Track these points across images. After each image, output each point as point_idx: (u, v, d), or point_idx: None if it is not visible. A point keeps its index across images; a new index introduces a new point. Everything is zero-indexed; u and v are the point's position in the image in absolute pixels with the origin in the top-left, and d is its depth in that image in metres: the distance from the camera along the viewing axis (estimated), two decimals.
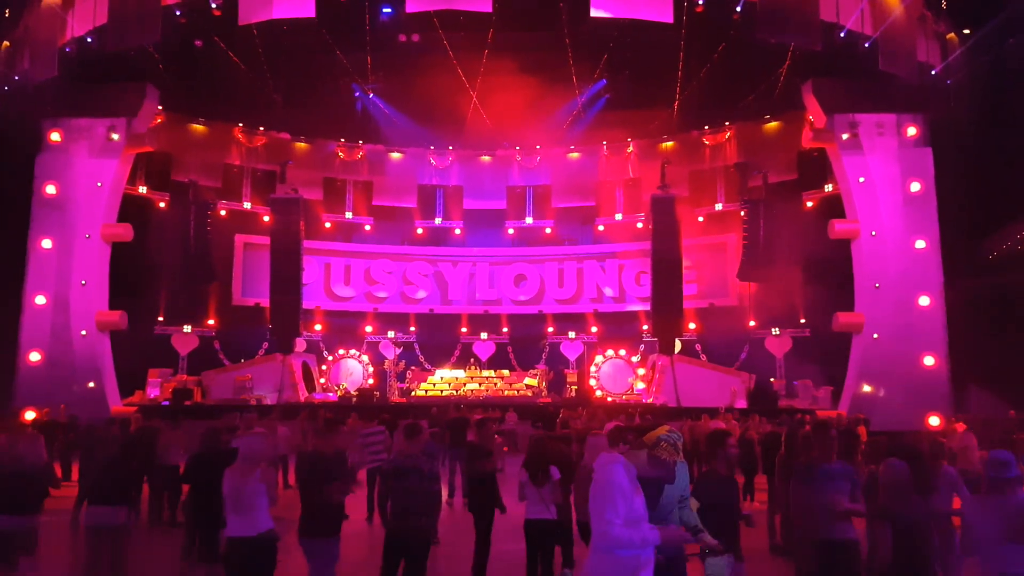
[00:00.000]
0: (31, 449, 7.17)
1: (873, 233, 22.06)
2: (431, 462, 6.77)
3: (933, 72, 21.33)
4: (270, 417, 15.91)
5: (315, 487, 6.29)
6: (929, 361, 21.09)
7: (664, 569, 4.31)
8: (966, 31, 21.27)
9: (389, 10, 20.72)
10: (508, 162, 30.39)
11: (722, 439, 5.61)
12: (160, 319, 25.91)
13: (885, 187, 22.10)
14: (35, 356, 21.62)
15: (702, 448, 15.70)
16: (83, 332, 22.05)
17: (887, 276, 21.77)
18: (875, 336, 21.63)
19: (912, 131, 22.19)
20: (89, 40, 20.81)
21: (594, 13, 18.88)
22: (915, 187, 21.91)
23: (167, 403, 22.63)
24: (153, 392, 23.82)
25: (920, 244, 21.71)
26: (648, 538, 4.17)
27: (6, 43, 22.16)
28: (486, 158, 30.46)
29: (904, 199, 21.97)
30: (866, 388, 21.43)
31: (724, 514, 5.30)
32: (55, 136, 22.54)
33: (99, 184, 22.57)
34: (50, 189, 22.36)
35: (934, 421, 19.75)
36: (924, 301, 21.44)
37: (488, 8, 18.83)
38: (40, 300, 22.00)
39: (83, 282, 22.25)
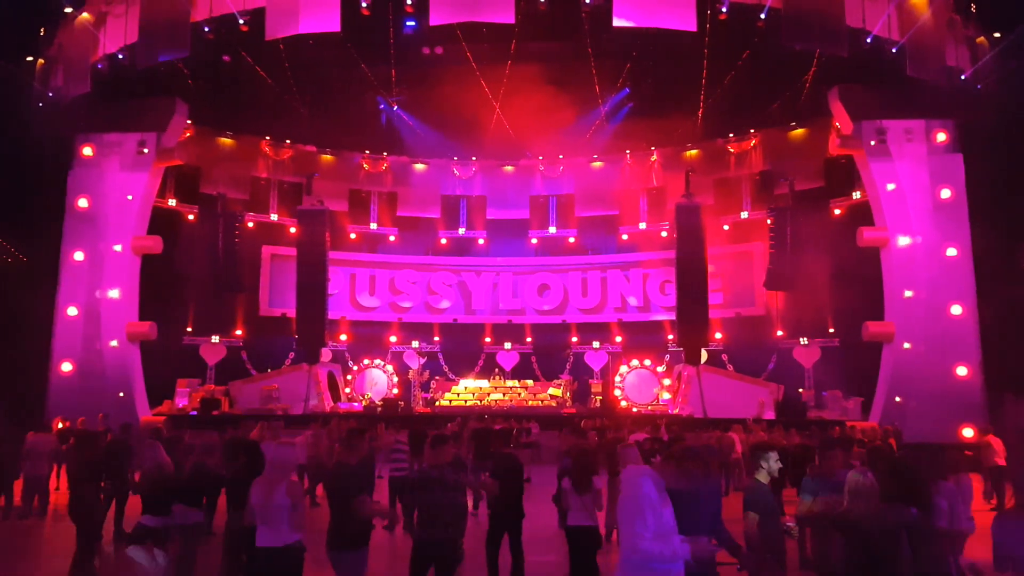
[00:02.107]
0: (153, 455, 7.35)
1: (903, 241, 21.72)
2: (456, 473, 6.76)
3: (963, 77, 20.98)
4: (330, 425, 16.19)
5: (342, 498, 6.30)
6: (962, 371, 20.67)
7: None
8: (996, 35, 20.93)
9: (413, 23, 20.87)
10: (531, 172, 30.44)
11: (765, 451, 5.66)
12: (189, 330, 26.24)
13: (915, 194, 21.76)
14: (67, 366, 21.99)
15: (729, 460, 15.57)
16: (113, 343, 22.39)
17: (918, 285, 21.40)
18: (906, 346, 21.27)
19: (942, 137, 21.84)
20: (120, 56, 21.23)
21: (617, 23, 18.84)
22: (945, 194, 21.54)
23: (195, 413, 22.88)
24: (181, 402, 24.07)
25: (951, 252, 21.31)
26: (678, 551, 4.13)
27: (40, 61, 22.68)
28: (509, 168, 30.54)
29: (934, 206, 21.58)
30: (897, 399, 21.06)
31: (772, 524, 5.35)
32: (87, 151, 22.99)
33: (130, 197, 22.95)
34: (82, 203, 22.78)
35: (968, 432, 19.35)
36: (956, 310, 21.04)
37: (511, 19, 18.91)
38: (72, 311, 22.39)
39: (113, 293, 22.61)
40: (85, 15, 21.32)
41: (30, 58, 22.58)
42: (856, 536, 4.47)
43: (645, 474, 4.45)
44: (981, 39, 21.12)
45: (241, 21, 20.06)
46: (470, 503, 13.62)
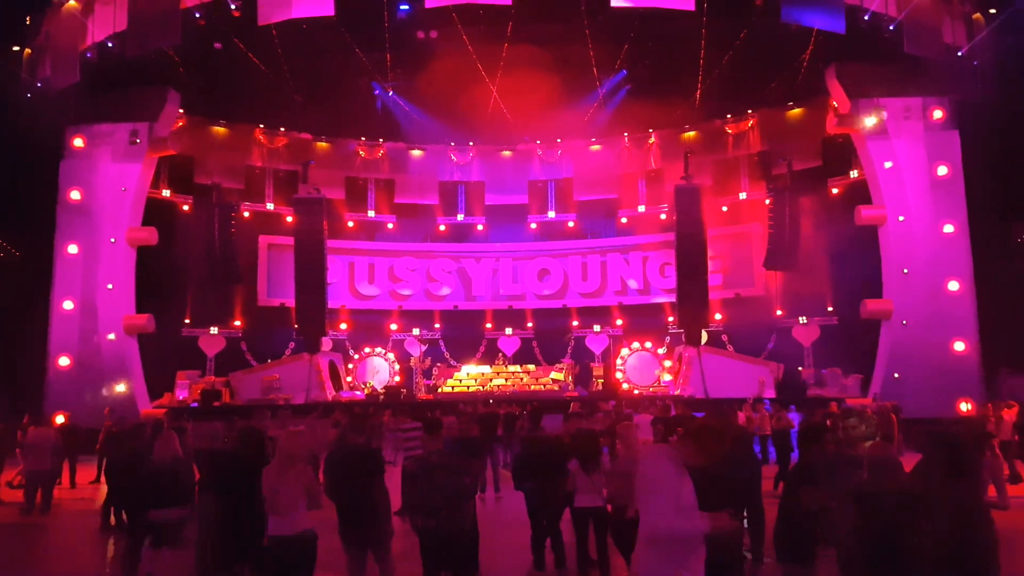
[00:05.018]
0: (168, 447, 7.36)
1: (900, 218, 21.80)
2: (459, 456, 6.74)
3: (959, 53, 20.92)
4: (333, 415, 16.10)
5: (351, 478, 6.30)
6: (959, 347, 20.82)
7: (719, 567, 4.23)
8: (992, 11, 20.84)
9: (407, 7, 20.59)
10: (529, 156, 30.28)
11: (819, 435, 5.63)
12: (187, 321, 26.10)
13: (912, 172, 21.79)
14: (64, 360, 21.88)
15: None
16: (111, 336, 22.28)
17: (915, 262, 21.49)
18: (904, 323, 21.38)
19: (938, 114, 21.85)
20: (110, 45, 20.93)
21: (614, 3, 18.63)
22: (942, 171, 21.59)
23: (196, 404, 22.83)
24: (182, 394, 24.00)
25: (948, 228, 21.40)
26: (698, 526, 4.12)
27: (28, 50, 22.38)
28: (507, 153, 30.37)
29: (931, 183, 21.66)
30: (896, 375, 21.15)
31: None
32: (78, 142, 22.76)
33: (123, 188, 22.79)
34: (75, 195, 22.59)
35: (965, 407, 19.45)
36: (953, 286, 21.14)
37: (507, 0, 18.72)
38: (68, 305, 22.25)
39: (109, 286, 22.48)
40: (72, 3, 20.94)
41: (16, 48, 22.26)
42: (874, 509, 4.43)
43: (663, 452, 4.42)
44: (977, 15, 21.03)
45: (233, 7, 19.74)
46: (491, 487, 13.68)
